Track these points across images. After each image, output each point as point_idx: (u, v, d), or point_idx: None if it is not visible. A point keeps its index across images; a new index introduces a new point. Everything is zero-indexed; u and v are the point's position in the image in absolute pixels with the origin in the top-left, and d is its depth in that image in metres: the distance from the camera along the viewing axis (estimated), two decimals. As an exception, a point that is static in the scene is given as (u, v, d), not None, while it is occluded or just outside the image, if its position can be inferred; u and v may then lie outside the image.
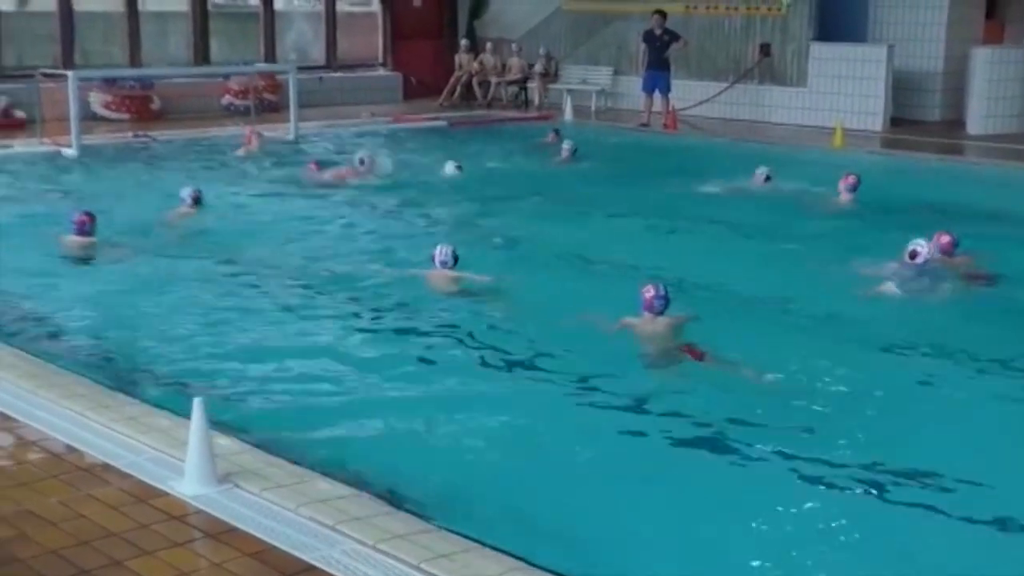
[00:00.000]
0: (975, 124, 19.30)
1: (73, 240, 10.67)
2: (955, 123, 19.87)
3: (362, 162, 15.02)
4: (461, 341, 8.40)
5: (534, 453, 6.46)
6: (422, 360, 7.95)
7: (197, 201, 12.23)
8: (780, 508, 5.77)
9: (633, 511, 5.68)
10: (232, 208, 13.10)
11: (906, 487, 5.98)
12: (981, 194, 14.40)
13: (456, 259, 9.54)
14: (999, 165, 16.66)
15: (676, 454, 6.52)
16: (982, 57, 19.48)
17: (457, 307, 9.22)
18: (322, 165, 15.48)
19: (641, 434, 6.71)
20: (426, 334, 8.58)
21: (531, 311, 9.09)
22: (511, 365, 7.99)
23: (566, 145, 16.84)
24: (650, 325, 8.19)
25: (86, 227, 10.64)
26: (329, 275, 10.30)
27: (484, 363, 7.98)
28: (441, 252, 9.58)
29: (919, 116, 20.46)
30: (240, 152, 16.79)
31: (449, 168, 15.32)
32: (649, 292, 8.17)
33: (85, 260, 10.56)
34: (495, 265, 10.33)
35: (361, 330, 8.71)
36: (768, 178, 14.41)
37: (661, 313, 8.17)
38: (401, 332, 8.70)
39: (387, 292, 9.71)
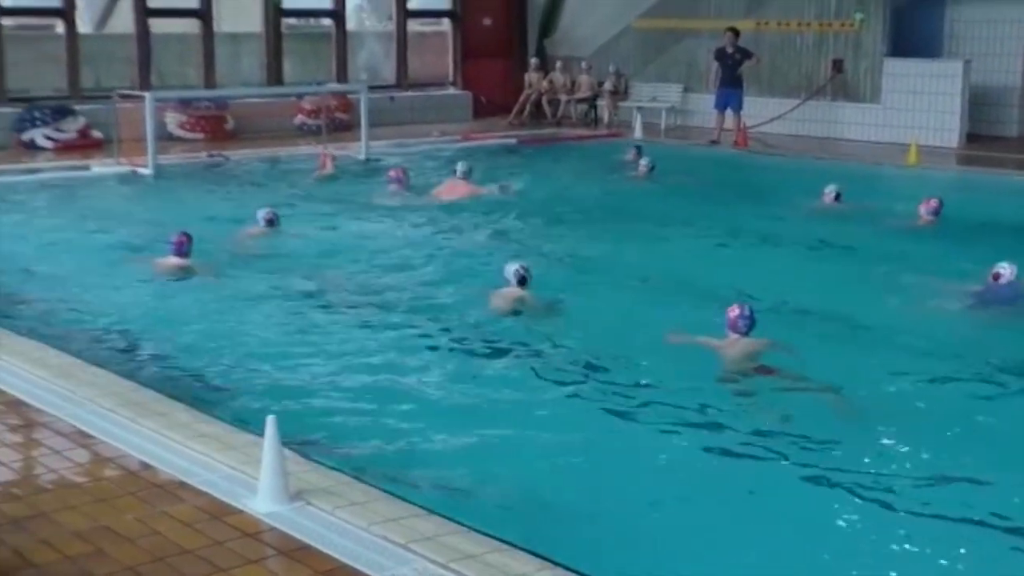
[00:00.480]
0: (1055, 141, 19.03)
1: (170, 261, 10.69)
2: (1033, 139, 19.60)
3: (503, 188, 15.42)
4: (530, 360, 8.37)
5: (604, 472, 6.44)
6: (493, 379, 7.95)
7: (271, 222, 12.26)
8: (852, 527, 5.75)
9: (706, 531, 5.66)
10: (305, 228, 13.11)
11: (986, 518, 5.81)
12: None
13: (528, 278, 9.44)
14: None
15: (745, 471, 6.48)
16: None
17: (527, 326, 9.18)
18: (407, 180, 15.50)
19: (715, 452, 6.68)
20: (497, 353, 8.55)
21: (605, 330, 9.07)
22: (580, 384, 7.94)
23: (644, 161, 16.73)
24: (734, 347, 8.07)
25: (184, 248, 10.67)
26: (399, 294, 10.28)
27: (555, 382, 7.93)
28: (514, 270, 9.47)
29: (997, 132, 20.17)
30: (316, 175, 16.86)
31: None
32: (734, 312, 8.10)
33: (174, 279, 10.59)
34: (569, 283, 10.33)
35: (431, 348, 8.69)
36: (838, 196, 14.21)
37: (746, 334, 8.07)
38: (472, 351, 8.69)
39: (459, 310, 9.67)
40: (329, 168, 16.97)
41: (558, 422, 7.16)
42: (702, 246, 12.60)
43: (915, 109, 19.83)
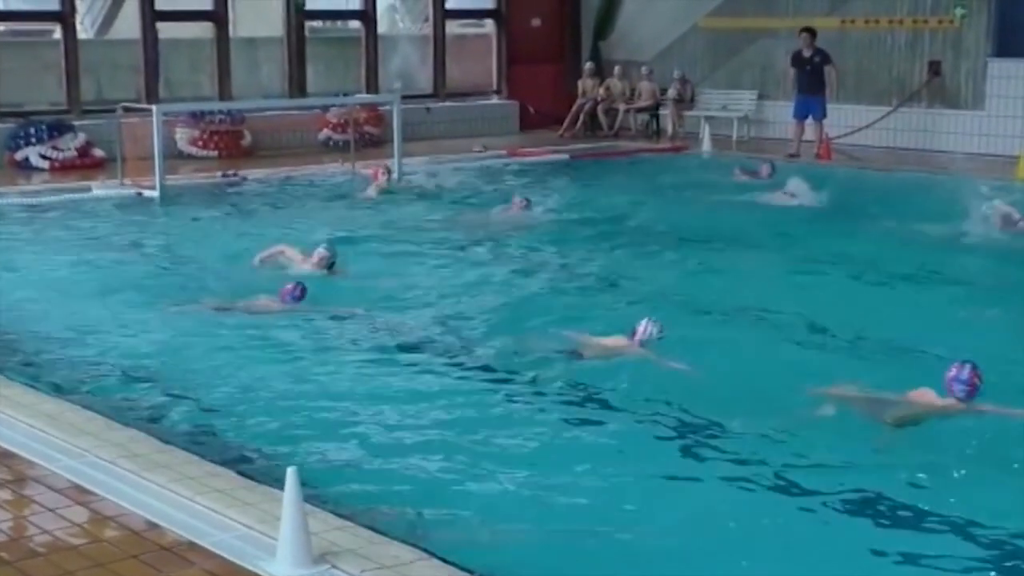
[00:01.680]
0: None
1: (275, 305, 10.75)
2: None
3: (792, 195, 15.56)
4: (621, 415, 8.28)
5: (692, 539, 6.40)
6: (563, 434, 7.88)
7: (329, 266, 11.89)
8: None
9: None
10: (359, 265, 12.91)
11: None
12: None
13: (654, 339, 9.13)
14: None
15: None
16: None
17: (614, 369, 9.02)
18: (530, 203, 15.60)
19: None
20: (558, 403, 8.47)
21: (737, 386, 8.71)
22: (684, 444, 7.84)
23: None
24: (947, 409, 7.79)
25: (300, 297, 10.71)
26: (448, 334, 10.22)
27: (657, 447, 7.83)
28: (647, 329, 9.14)
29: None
30: (369, 192, 16.86)
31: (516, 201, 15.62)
32: (962, 374, 7.77)
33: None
34: (689, 325, 10.03)
35: (479, 395, 8.61)
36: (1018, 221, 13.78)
37: (962, 400, 7.75)
38: (526, 402, 8.56)
39: (516, 354, 9.58)
40: (382, 182, 16.88)
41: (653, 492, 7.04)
42: (834, 279, 12.40)
43: (1025, 117, 19.73)
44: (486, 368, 9.29)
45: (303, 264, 11.91)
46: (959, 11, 20.40)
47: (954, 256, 13.22)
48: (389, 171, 17.31)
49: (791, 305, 11.06)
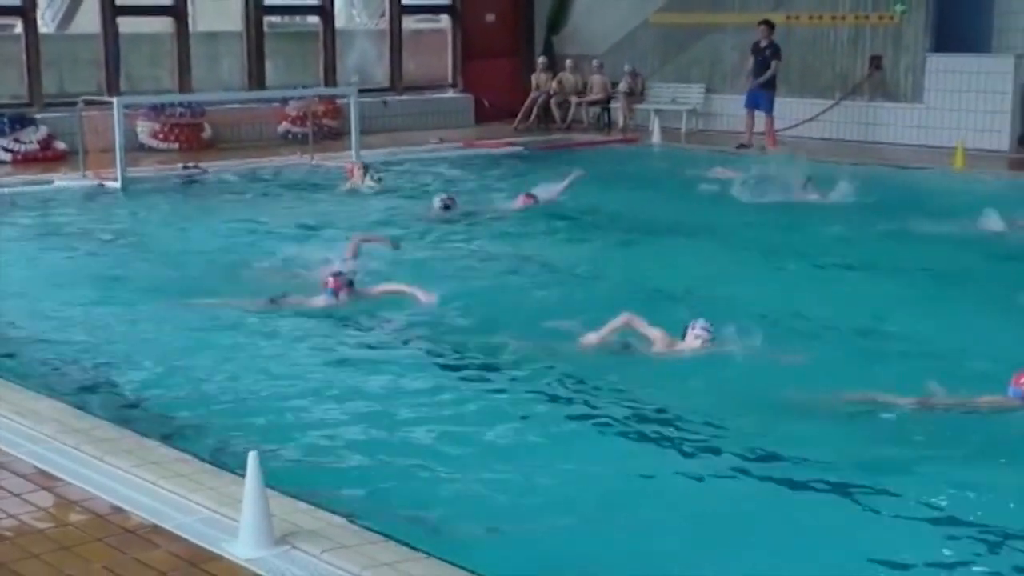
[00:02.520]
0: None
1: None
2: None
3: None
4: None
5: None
6: (514, 420, 7.84)
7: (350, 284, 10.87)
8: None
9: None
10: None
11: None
12: None
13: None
14: None
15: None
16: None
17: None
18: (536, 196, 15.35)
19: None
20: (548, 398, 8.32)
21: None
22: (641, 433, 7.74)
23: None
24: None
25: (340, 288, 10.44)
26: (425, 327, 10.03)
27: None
28: (700, 328, 8.87)
29: (1050, 134, 20.20)
30: (346, 186, 16.72)
31: (436, 203, 15.21)
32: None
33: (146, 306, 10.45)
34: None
35: (434, 383, 8.58)
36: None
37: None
38: (491, 388, 8.50)
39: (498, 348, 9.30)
40: (358, 178, 16.69)
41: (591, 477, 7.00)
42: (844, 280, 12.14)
43: (961, 109, 19.87)
44: (460, 362, 9.10)
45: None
46: (899, 7, 20.54)
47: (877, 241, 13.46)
48: (365, 166, 17.01)
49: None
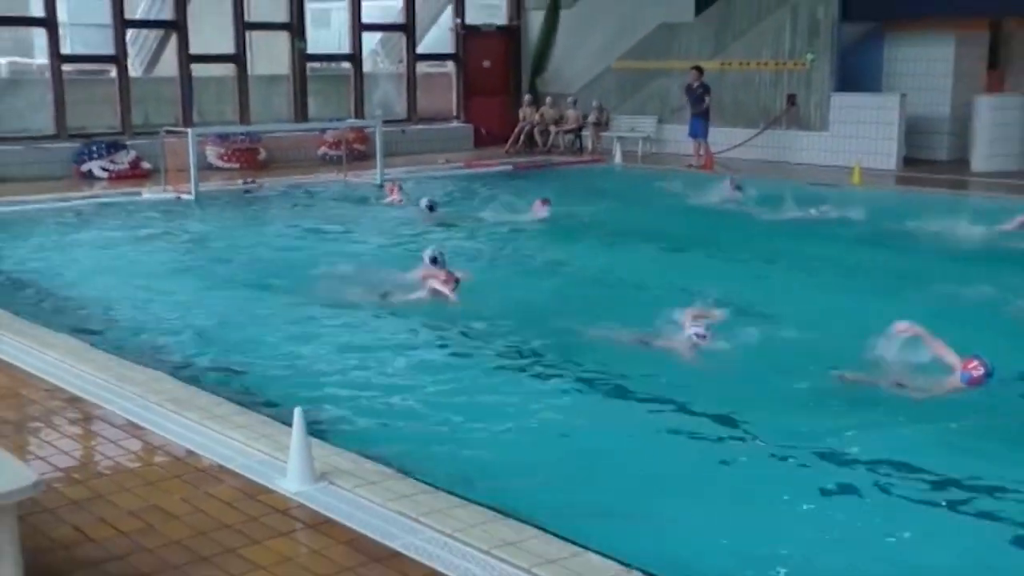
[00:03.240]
0: (979, 162, 19.05)
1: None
2: (961, 162, 19.59)
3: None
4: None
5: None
6: (507, 385, 7.71)
7: (435, 260, 10.45)
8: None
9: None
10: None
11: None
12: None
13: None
14: (1000, 198, 16.34)
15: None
16: (985, 104, 19.28)
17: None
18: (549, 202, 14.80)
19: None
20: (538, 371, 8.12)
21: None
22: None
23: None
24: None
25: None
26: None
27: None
28: (695, 331, 8.11)
29: (929, 156, 20.22)
30: (385, 201, 16.30)
31: (423, 204, 15.08)
32: (979, 371, 7.00)
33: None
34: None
35: (440, 353, 8.52)
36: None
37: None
38: (497, 367, 8.27)
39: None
40: (396, 196, 16.26)
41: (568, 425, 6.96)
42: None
43: (858, 136, 19.87)
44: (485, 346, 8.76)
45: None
46: (809, 56, 20.55)
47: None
48: (401, 187, 16.65)
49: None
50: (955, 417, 6.87)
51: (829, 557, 5.16)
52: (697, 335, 8.06)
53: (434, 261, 10.30)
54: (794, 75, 20.89)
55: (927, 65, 20.29)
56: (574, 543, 4.68)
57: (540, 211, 14.77)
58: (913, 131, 19.95)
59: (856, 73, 20.61)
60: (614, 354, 8.26)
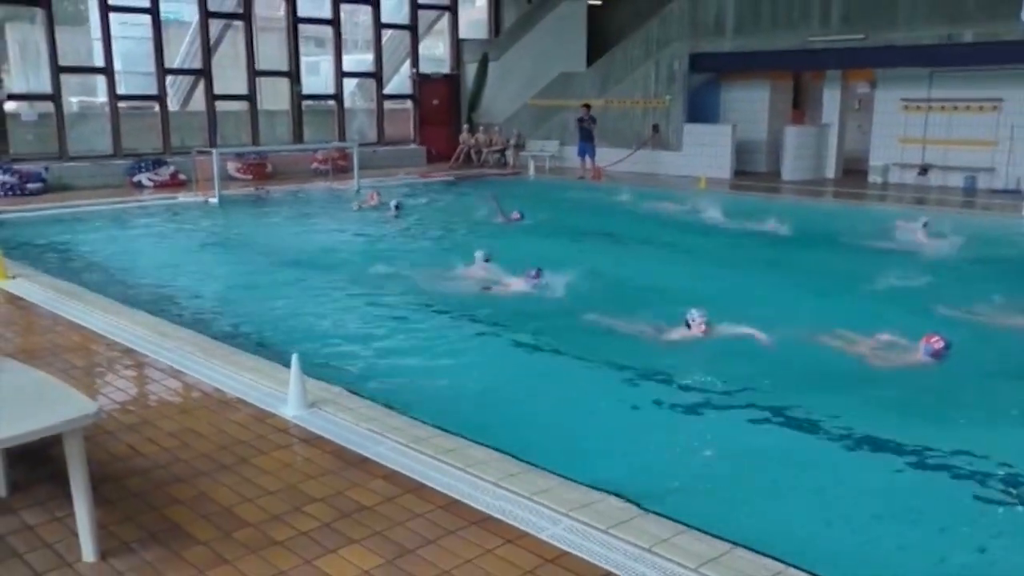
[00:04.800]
0: (787, 173, 19.39)
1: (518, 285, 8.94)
2: (774, 173, 19.93)
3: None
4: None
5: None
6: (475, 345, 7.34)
7: (488, 260, 9.61)
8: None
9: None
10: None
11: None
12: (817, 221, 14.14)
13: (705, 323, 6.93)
14: (804, 200, 16.71)
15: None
16: (791, 132, 19.59)
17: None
18: (507, 212, 13.69)
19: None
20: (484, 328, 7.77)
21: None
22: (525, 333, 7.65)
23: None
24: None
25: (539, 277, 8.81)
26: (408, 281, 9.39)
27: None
28: (698, 318, 6.87)
29: (752, 168, 20.54)
30: (365, 204, 15.59)
31: (392, 205, 14.43)
32: (939, 344, 6.06)
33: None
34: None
35: (433, 328, 7.85)
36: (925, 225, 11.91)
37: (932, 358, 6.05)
38: (447, 321, 8.00)
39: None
40: (375, 201, 15.64)
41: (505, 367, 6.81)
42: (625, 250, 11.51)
43: (703, 155, 20.10)
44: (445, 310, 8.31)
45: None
46: (667, 97, 20.70)
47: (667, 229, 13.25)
48: (379, 194, 16.09)
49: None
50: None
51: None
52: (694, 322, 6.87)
53: (487, 260, 9.55)
54: (657, 110, 21.03)
55: (750, 104, 20.59)
56: (496, 449, 4.72)
57: (514, 216, 13.85)
58: (741, 151, 20.24)
59: (701, 109, 20.83)
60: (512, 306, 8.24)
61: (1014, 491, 4.53)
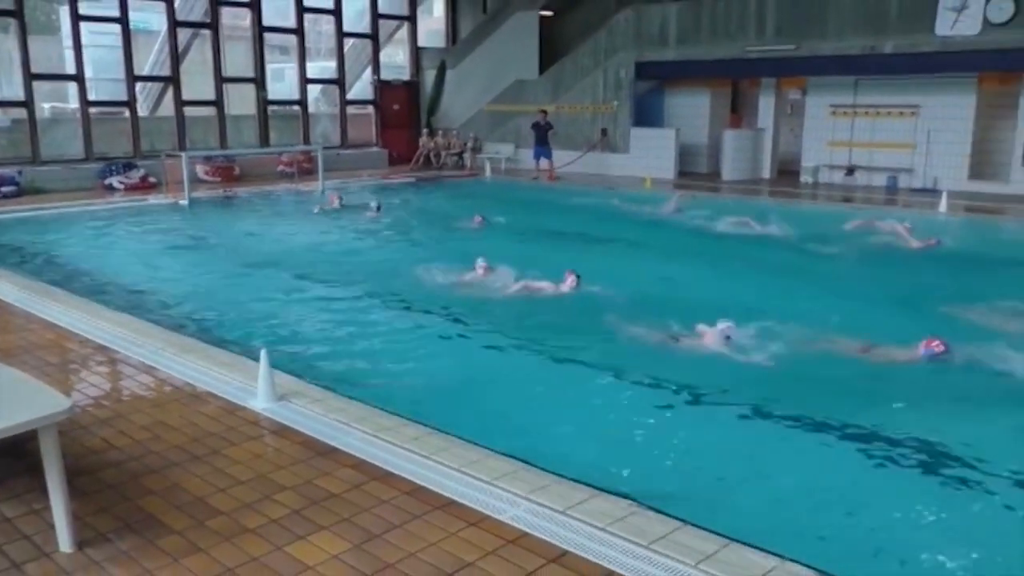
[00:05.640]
0: (726, 173, 19.61)
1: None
2: (715, 173, 20.15)
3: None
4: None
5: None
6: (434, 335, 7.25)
7: (487, 269, 9.11)
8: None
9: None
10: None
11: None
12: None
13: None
14: (742, 198, 16.90)
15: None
16: (729, 135, 19.80)
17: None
18: (485, 220, 12.98)
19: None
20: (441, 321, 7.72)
21: None
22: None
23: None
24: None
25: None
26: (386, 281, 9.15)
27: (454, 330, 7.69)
28: (726, 329, 6.31)
29: (694, 169, 20.74)
30: (327, 207, 15.26)
31: (372, 205, 14.21)
32: (940, 348, 5.86)
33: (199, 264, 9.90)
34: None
35: (378, 314, 8.11)
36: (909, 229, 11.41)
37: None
38: (404, 315, 8.13)
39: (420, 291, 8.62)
40: (336, 204, 15.32)
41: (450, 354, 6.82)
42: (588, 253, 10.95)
43: (649, 157, 20.23)
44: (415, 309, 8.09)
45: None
46: (615, 102, 20.81)
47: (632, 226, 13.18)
48: (341, 197, 15.71)
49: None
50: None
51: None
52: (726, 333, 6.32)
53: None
54: (606, 115, 21.12)
55: (692, 110, 20.78)
56: (458, 437, 4.71)
57: (476, 221, 13.30)
58: (684, 153, 20.42)
59: (647, 114, 20.96)
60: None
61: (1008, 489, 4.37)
